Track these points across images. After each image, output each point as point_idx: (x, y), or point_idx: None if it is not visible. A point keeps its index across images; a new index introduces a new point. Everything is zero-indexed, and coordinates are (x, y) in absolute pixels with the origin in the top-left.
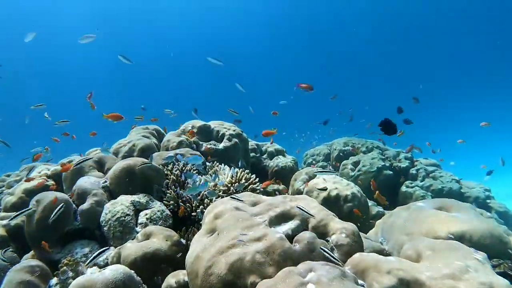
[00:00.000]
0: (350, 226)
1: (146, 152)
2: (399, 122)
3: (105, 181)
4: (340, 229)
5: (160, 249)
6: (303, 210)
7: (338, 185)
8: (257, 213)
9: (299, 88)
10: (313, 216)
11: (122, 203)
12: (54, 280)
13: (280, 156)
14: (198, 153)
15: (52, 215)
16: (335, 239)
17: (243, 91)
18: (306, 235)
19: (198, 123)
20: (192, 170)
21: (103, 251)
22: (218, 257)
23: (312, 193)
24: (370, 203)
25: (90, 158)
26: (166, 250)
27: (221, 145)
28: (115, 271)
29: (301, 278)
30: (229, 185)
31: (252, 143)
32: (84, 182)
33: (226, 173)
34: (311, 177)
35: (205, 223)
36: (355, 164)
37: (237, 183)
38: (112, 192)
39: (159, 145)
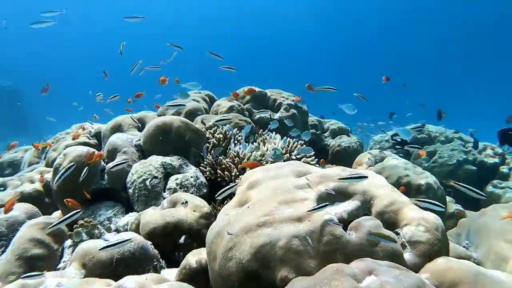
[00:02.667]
0: (433, 217)
1: (193, 114)
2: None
3: (139, 139)
4: (417, 220)
5: (184, 221)
6: (356, 176)
7: (411, 172)
8: (304, 186)
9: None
10: (378, 196)
11: (151, 164)
12: (68, 242)
13: (344, 136)
14: (247, 119)
15: (63, 171)
16: (409, 233)
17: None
18: (367, 222)
19: (254, 88)
20: (237, 136)
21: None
22: (242, 237)
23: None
24: (447, 199)
25: (131, 117)
26: (192, 222)
27: (276, 115)
28: (124, 240)
29: (355, 283)
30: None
31: (313, 119)
32: (116, 138)
33: (276, 143)
34: (378, 160)
35: (237, 193)
36: (430, 155)
37: (287, 154)
38: (144, 152)
39: (209, 110)
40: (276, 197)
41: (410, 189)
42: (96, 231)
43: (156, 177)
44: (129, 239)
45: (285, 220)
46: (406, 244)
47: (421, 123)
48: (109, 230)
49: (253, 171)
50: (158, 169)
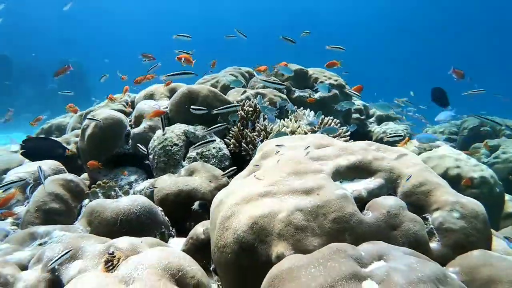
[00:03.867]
0: (472, 203)
1: (227, 89)
2: None
3: (167, 107)
4: (451, 204)
5: (198, 190)
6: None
7: (462, 163)
8: (320, 157)
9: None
10: (407, 175)
11: (173, 131)
12: (86, 201)
13: (390, 123)
14: (283, 95)
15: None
16: (440, 219)
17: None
18: (388, 201)
19: (294, 66)
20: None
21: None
22: (241, 206)
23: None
24: (507, 197)
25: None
26: (206, 192)
27: (316, 95)
28: (133, 201)
29: (357, 267)
30: (309, 133)
31: (358, 103)
32: (143, 104)
33: (310, 120)
34: (425, 149)
35: (250, 163)
36: (493, 149)
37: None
38: (170, 120)
39: (247, 86)
40: (286, 167)
41: (459, 182)
42: (113, 192)
43: (176, 145)
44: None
45: (291, 192)
46: (435, 232)
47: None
48: (126, 194)
49: (270, 141)
50: (180, 136)
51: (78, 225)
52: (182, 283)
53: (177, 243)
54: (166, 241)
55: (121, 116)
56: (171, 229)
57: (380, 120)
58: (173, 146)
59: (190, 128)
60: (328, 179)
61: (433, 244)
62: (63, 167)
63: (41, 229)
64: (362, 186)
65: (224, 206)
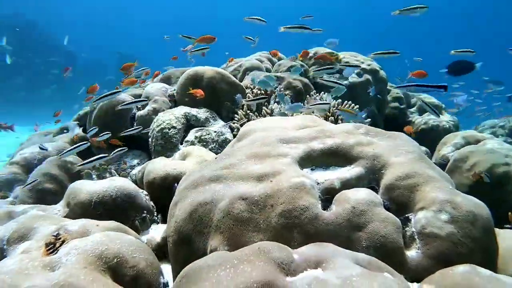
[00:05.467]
0: (470, 203)
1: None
2: None
3: (174, 89)
4: (439, 203)
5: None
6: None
7: None
8: (293, 140)
9: None
10: (392, 164)
11: (173, 113)
12: None
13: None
14: (303, 79)
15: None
16: (423, 220)
17: None
18: (356, 194)
19: (322, 50)
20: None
21: None
22: (188, 191)
23: (463, 164)
24: None
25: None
26: None
27: (346, 81)
28: (110, 184)
29: (277, 275)
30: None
31: (398, 91)
32: (151, 87)
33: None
34: (470, 143)
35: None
36: None
37: (332, 117)
38: (177, 103)
39: (271, 70)
40: (249, 150)
41: (508, 182)
42: (108, 174)
43: (174, 127)
44: None
45: (243, 177)
46: (416, 237)
47: None
48: (124, 177)
49: (248, 123)
50: (179, 119)
51: (57, 206)
52: (117, 273)
53: (160, 230)
54: (148, 227)
55: (126, 98)
56: (155, 214)
57: (423, 110)
58: (171, 129)
59: (192, 111)
60: (291, 165)
61: (412, 253)
62: (70, 146)
63: (20, 208)
64: (336, 175)
65: (177, 191)
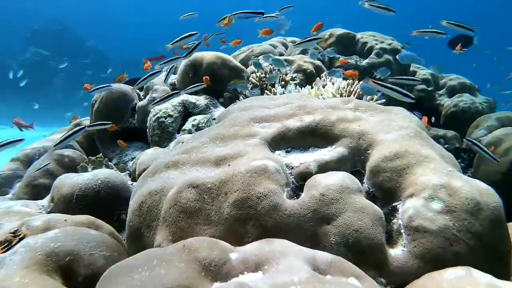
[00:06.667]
0: (471, 188)
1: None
2: None
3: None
4: (432, 188)
5: None
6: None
7: None
8: (267, 118)
9: None
10: (380, 143)
11: (170, 102)
12: None
13: (466, 94)
14: (316, 62)
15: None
16: (411, 210)
17: None
18: (326, 179)
19: (339, 31)
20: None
21: None
22: (145, 180)
23: (497, 149)
24: None
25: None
26: None
27: (364, 62)
28: (94, 176)
29: (197, 280)
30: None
31: (425, 72)
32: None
33: (333, 85)
34: (505, 124)
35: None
36: None
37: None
38: (178, 90)
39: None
40: (216, 131)
41: None
42: (104, 167)
43: (170, 116)
44: None
45: (201, 162)
46: (402, 231)
47: None
48: (123, 170)
49: (236, 103)
50: (176, 107)
51: (44, 201)
52: (70, 272)
53: None
54: None
55: (126, 89)
56: None
57: (453, 91)
58: (167, 118)
59: (191, 98)
60: (258, 146)
61: (397, 251)
62: (72, 142)
63: (4, 205)
64: (313, 157)
65: (138, 180)
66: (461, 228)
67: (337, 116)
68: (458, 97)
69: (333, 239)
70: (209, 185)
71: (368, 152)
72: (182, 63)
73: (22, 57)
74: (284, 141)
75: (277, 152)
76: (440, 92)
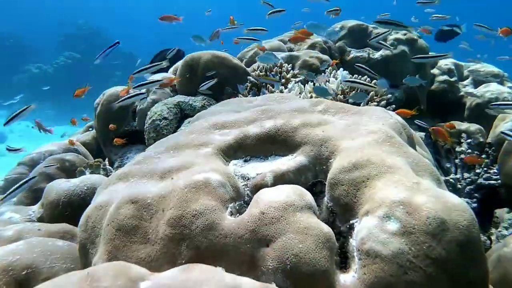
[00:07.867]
0: (439, 204)
1: None
2: None
3: None
4: (389, 205)
5: None
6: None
7: None
8: (227, 125)
9: None
10: (342, 151)
11: (166, 104)
12: None
13: (493, 84)
14: (323, 57)
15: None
16: (364, 231)
17: None
18: (269, 195)
19: (350, 23)
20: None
21: None
22: (98, 192)
23: None
24: None
25: None
26: None
27: (377, 54)
28: (81, 181)
29: None
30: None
31: (446, 62)
32: (155, 76)
33: (336, 81)
34: None
35: None
36: None
37: (342, 96)
38: (178, 93)
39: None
40: (174, 139)
41: None
42: (102, 171)
43: (165, 118)
44: None
45: (149, 174)
46: (355, 254)
47: None
48: None
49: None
50: (171, 109)
51: (35, 207)
52: (25, 286)
53: None
54: None
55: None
56: None
57: (478, 82)
58: (162, 120)
59: (187, 99)
60: (210, 157)
61: (348, 277)
62: (74, 146)
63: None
64: (270, 168)
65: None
66: (418, 253)
67: (300, 120)
68: (485, 87)
69: (271, 265)
70: (149, 201)
71: (330, 161)
72: (181, 64)
73: (56, 60)
74: (242, 149)
75: (234, 161)
76: (465, 82)
